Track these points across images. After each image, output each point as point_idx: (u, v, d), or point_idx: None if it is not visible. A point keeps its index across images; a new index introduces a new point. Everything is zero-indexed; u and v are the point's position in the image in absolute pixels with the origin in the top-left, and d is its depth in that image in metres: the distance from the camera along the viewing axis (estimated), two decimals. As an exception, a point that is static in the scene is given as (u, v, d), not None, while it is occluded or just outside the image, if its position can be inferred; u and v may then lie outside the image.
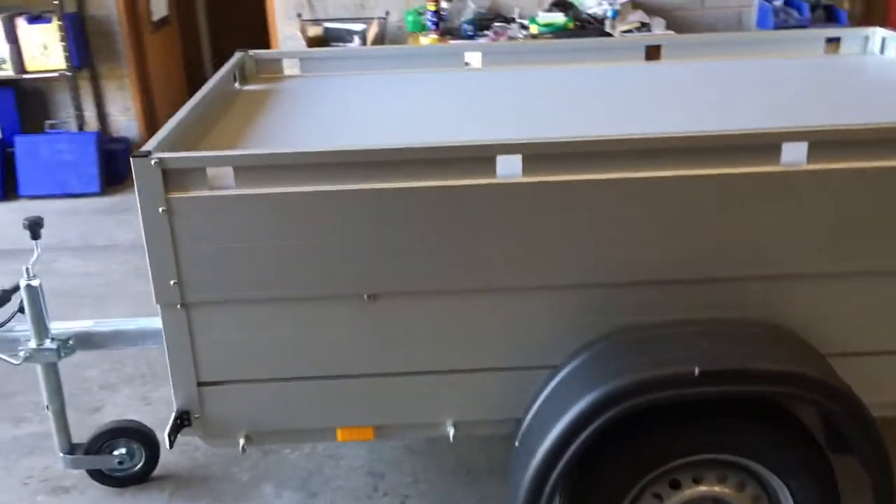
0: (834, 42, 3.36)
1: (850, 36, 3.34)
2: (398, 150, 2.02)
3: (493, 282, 2.14)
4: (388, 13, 6.22)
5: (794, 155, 2.08)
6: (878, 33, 3.28)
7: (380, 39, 6.00)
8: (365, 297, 2.15)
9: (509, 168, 2.06)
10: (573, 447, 2.04)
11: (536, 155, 2.05)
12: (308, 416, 2.26)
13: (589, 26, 5.64)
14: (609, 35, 5.46)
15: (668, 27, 5.94)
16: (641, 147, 2.06)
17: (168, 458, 3.15)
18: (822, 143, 2.07)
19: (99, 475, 3.03)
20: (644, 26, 5.69)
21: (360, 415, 2.28)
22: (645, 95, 2.89)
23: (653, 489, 2.22)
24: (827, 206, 2.11)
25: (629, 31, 5.59)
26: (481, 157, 2.04)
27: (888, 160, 2.08)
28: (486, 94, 2.95)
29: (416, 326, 2.18)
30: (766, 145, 2.07)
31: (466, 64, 3.41)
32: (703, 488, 2.21)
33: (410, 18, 6.08)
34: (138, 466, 3.04)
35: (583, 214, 2.09)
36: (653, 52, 3.35)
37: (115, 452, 2.97)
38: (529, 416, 2.21)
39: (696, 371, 2.00)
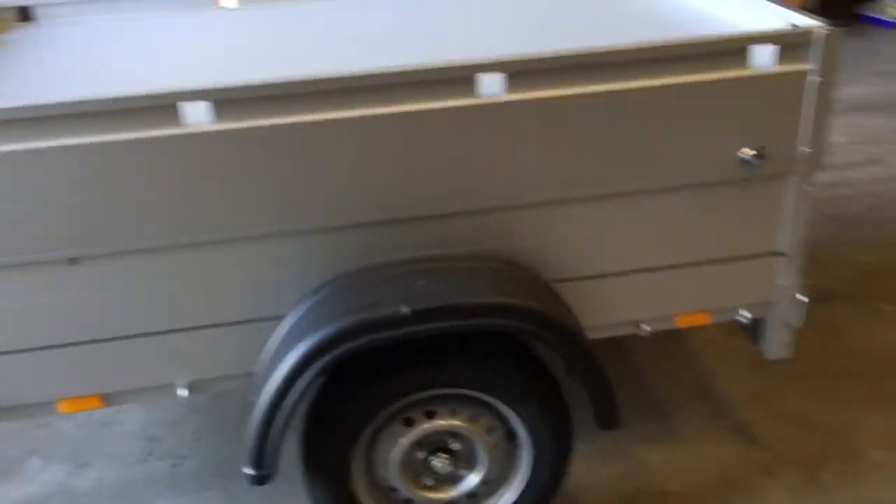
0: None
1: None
2: (61, 104, 1.89)
3: (199, 235, 2.06)
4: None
5: (492, 86, 2.06)
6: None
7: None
8: (65, 261, 2.03)
9: (200, 116, 1.96)
10: (289, 398, 2.01)
11: (227, 100, 1.96)
12: (24, 390, 2.15)
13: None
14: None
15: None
16: (337, 86, 1.99)
17: (-69, 440, 2.99)
18: (519, 73, 2.06)
19: None
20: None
21: (83, 384, 2.18)
22: (397, 27, 2.81)
23: (388, 429, 2.22)
24: (531, 135, 2.11)
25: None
26: (163, 104, 1.93)
27: (585, 86, 2.09)
28: (224, 37, 2.81)
29: (125, 288, 2.08)
30: (461, 78, 2.04)
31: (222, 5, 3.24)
32: (437, 423, 2.23)
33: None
34: None
35: (288, 159, 2.02)
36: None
37: None
38: (258, 369, 2.16)
39: (405, 310, 1.99)
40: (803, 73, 2.17)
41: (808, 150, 2.25)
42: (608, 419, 2.23)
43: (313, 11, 3.00)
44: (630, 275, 2.36)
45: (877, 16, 7.50)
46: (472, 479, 2.33)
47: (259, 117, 1.98)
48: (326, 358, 1.99)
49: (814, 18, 2.20)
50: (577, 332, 2.14)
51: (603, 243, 2.30)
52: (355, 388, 2.14)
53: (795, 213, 2.35)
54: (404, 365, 2.13)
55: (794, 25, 2.19)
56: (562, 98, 2.09)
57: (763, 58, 2.16)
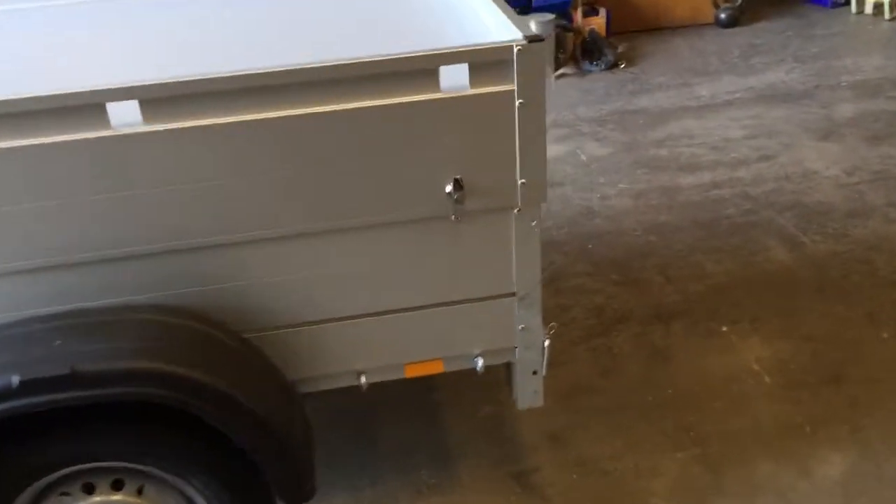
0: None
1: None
2: None
3: None
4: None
5: (124, 116, 1.77)
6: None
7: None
8: None
9: None
10: None
11: None
12: None
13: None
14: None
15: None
16: None
17: None
18: (156, 100, 1.76)
19: None
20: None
21: None
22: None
23: (43, 505, 1.96)
24: (189, 168, 1.83)
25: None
26: None
27: (254, 113, 1.80)
28: None
29: None
30: (87, 105, 1.75)
31: None
32: (97, 498, 1.96)
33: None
34: None
35: None
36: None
37: None
38: None
39: (14, 381, 1.71)
40: (505, 95, 1.87)
41: (521, 181, 1.96)
42: (292, 496, 1.96)
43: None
44: (344, 321, 2.08)
45: (817, -6, 7.12)
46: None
47: None
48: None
49: (523, 31, 1.88)
50: (239, 397, 1.85)
51: (304, 287, 2.02)
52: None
53: (523, 251, 2.06)
54: (42, 437, 1.85)
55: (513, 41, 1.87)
56: (228, 126, 1.81)
57: (454, 78, 1.86)
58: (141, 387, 1.77)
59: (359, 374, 2.15)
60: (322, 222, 1.95)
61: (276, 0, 2.72)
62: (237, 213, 1.90)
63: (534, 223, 2.03)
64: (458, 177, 1.92)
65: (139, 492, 1.98)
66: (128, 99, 1.76)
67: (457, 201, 1.94)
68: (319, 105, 1.83)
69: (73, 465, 1.89)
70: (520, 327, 2.15)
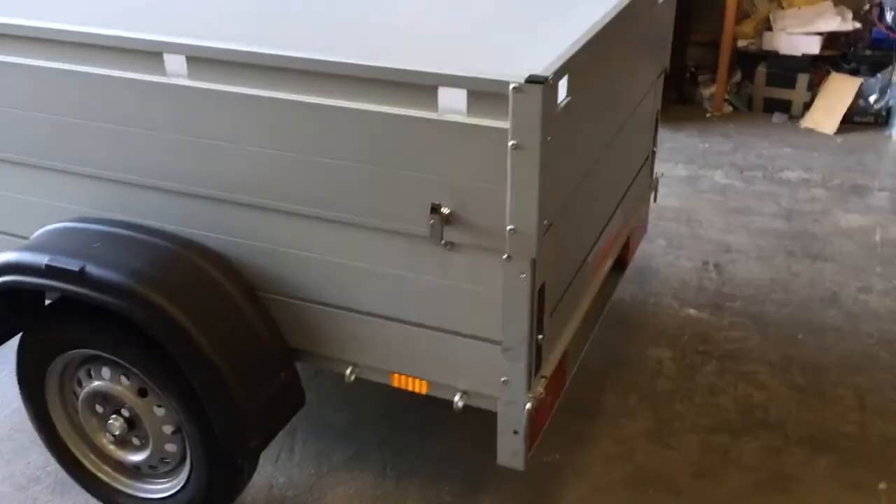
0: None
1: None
2: None
3: None
4: None
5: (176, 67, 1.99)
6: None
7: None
8: None
9: None
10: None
11: None
12: None
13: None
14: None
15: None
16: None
17: None
18: (201, 59, 1.95)
19: None
20: None
21: None
22: None
23: (77, 374, 2.34)
24: (219, 126, 2.00)
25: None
26: None
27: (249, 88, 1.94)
28: None
29: None
30: (148, 53, 1.99)
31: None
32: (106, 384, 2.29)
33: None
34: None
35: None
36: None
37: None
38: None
39: (42, 263, 2.08)
40: (497, 132, 1.73)
41: (509, 227, 1.80)
42: (232, 447, 2.10)
43: None
44: (340, 311, 2.13)
45: None
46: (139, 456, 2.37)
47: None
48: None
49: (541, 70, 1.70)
50: (194, 330, 2.02)
51: (309, 266, 2.11)
52: (41, 329, 2.32)
53: (511, 301, 1.90)
54: (78, 319, 2.22)
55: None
56: (248, 98, 1.95)
57: (451, 102, 1.76)
58: (122, 300, 2.03)
59: (349, 365, 2.19)
60: (321, 210, 2.00)
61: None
62: (252, 178, 2.03)
63: (522, 275, 1.85)
64: (437, 203, 1.83)
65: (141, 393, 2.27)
66: (177, 53, 1.97)
67: (434, 227, 1.85)
68: (323, 97, 1.87)
69: (84, 349, 2.24)
70: (502, 379, 2.00)
